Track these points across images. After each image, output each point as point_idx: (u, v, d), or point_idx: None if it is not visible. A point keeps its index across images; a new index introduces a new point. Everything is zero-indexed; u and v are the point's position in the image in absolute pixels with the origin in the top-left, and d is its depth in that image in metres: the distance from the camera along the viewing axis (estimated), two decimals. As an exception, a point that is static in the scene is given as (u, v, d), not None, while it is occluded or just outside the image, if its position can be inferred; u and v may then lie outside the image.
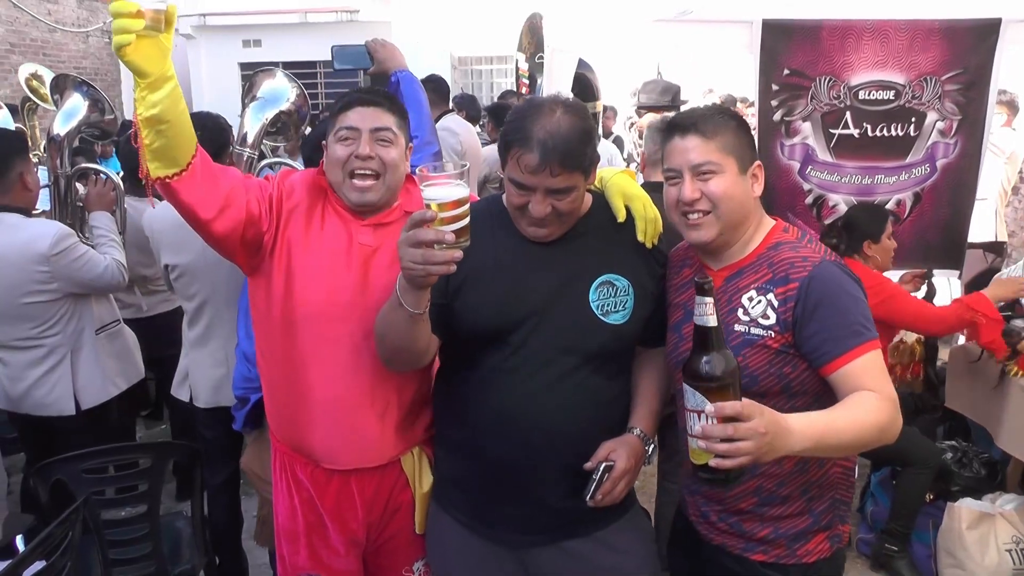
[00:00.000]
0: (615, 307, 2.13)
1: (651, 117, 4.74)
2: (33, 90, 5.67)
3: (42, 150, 4.63)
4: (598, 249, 2.16)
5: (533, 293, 2.10)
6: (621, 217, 2.18)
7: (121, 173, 4.19)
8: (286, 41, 14.72)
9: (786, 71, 4.12)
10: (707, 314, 1.66)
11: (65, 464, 2.97)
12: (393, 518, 2.41)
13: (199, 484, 3.27)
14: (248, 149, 3.67)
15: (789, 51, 4.07)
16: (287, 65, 14.89)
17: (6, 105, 5.59)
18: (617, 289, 2.14)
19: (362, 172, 2.22)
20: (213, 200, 2.09)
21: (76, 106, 3.94)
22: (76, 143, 4.01)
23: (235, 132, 3.79)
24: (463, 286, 2.11)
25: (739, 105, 9.46)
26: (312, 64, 14.95)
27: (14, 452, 4.49)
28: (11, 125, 5.42)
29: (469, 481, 2.24)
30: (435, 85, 6.69)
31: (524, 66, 4.60)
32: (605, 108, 7.41)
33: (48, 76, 5.83)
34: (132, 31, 1.75)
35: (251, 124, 3.73)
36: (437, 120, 6.14)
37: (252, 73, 4.01)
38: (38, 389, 3.54)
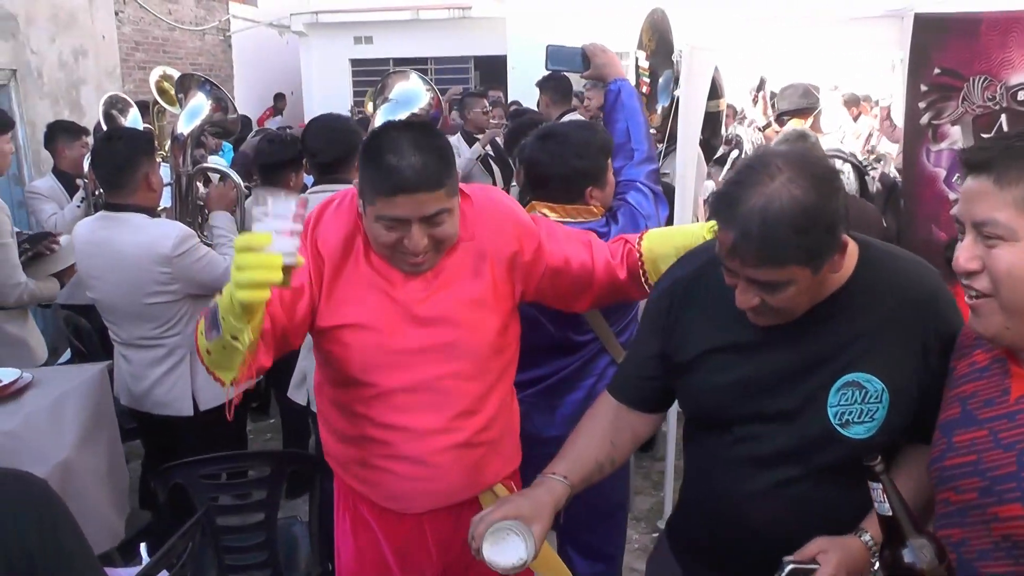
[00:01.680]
0: (859, 416, 1.67)
1: (795, 123, 4.57)
2: (163, 91, 5.72)
3: (166, 149, 4.63)
4: (849, 336, 1.68)
5: (764, 386, 1.74)
6: None
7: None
8: (397, 38, 14.83)
9: (937, 70, 3.82)
10: (879, 500, 1.42)
11: (184, 469, 2.92)
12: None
13: (316, 492, 3.20)
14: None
15: (943, 48, 3.78)
16: (397, 62, 15.07)
17: (136, 103, 5.62)
18: (866, 394, 1.67)
19: (413, 256, 2.00)
20: (278, 347, 2.00)
21: (200, 105, 3.93)
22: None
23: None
24: (698, 362, 1.81)
25: (862, 104, 9.12)
26: (423, 60, 15.04)
27: (132, 439, 4.52)
28: (140, 124, 5.47)
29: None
30: (556, 83, 6.60)
31: (644, 64, 4.41)
32: (728, 106, 7.17)
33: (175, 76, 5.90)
34: (272, 284, 1.63)
35: (381, 125, 3.65)
36: (558, 119, 6.07)
37: (385, 74, 3.93)
38: (158, 388, 3.54)
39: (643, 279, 2.30)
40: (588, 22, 12.10)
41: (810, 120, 4.96)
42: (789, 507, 1.74)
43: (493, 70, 14.83)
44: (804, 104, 4.89)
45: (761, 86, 7.57)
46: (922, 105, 3.91)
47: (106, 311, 3.56)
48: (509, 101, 10.19)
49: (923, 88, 3.89)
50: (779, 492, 1.74)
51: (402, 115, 3.67)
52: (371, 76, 15.26)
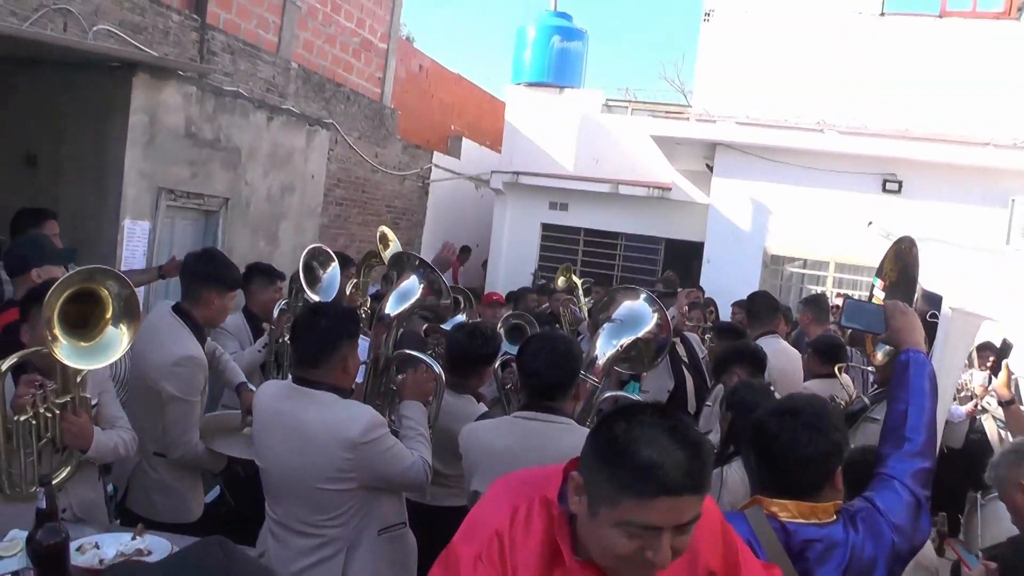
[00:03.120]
0: None
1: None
2: (377, 252, 5.71)
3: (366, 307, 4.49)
4: None
5: None
6: None
7: None
8: (592, 209, 14.86)
9: None
10: None
11: None
12: None
13: None
14: (594, 377, 3.28)
15: None
16: (589, 233, 15.13)
17: (336, 254, 5.55)
18: None
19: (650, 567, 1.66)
20: None
21: (412, 287, 3.75)
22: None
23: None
24: None
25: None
26: (614, 235, 14.98)
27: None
28: (338, 279, 5.37)
29: None
30: (818, 301, 6.30)
31: (880, 295, 3.99)
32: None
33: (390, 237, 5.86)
34: None
35: (603, 348, 3.36)
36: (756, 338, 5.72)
37: (612, 289, 3.67)
38: None
39: None
40: (791, 222, 11.78)
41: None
42: None
43: (682, 255, 14.61)
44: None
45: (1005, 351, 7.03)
46: None
47: (271, 486, 3.32)
48: (702, 296, 9.82)
49: None
50: None
51: (626, 340, 3.40)
52: (560, 243, 15.36)
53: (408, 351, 3.73)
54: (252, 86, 10.39)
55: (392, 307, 3.72)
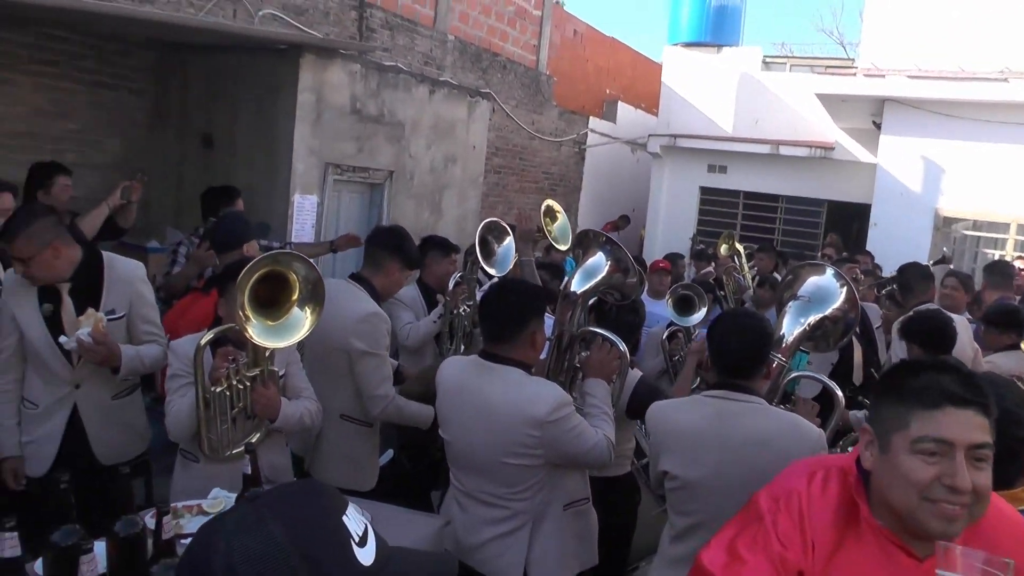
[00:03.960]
0: None
1: None
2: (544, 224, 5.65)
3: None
4: None
5: None
6: None
7: None
8: (752, 171, 14.44)
9: None
10: None
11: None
12: None
13: None
14: (782, 357, 3.15)
15: None
16: (748, 195, 14.70)
17: (509, 227, 5.53)
18: None
19: (951, 503, 1.68)
20: None
21: (598, 264, 3.68)
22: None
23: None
24: None
25: None
26: (774, 198, 14.54)
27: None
28: (512, 251, 5.35)
29: None
30: (1003, 267, 5.98)
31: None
32: None
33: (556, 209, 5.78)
34: None
35: (789, 327, 3.24)
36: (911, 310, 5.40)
37: (797, 265, 3.52)
38: (489, 549, 3.28)
39: None
40: (965, 182, 11.16)
41: None
42: None
43: (846, 218, 14.06)
44: None
45: None
46: None
47: (456, 457, 3.39)
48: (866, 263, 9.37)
49: None
50: None
51: (813, 317, 3.27)
52: (719, 207, 15.02)
53: (593, 328, 3.67)
54: (411, 60, 10.50)
55: (578, 284, 3.67)
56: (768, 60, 15.83)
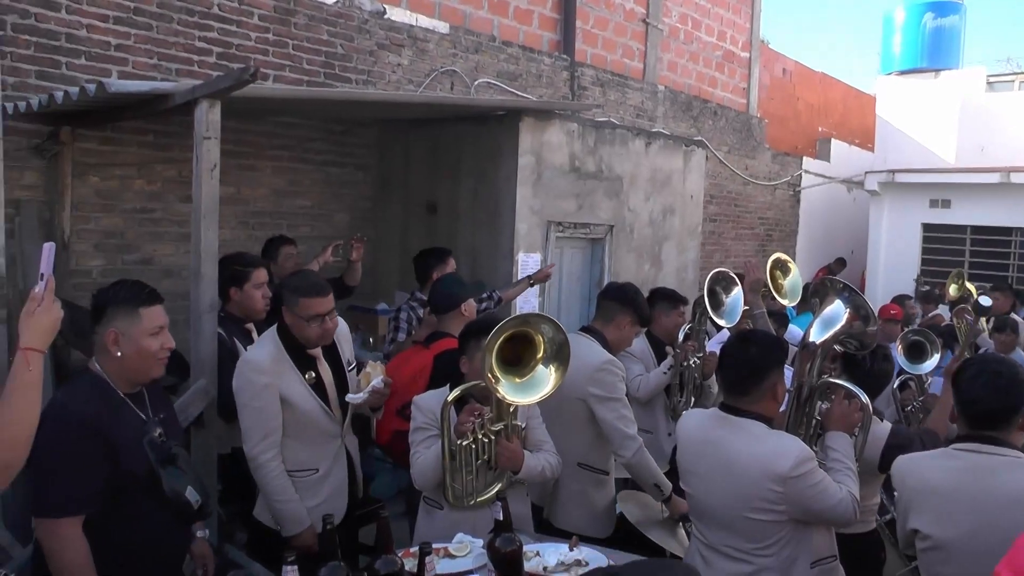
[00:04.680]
0: None
1: None
2: (772, 279, 5.52)
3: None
4: None
5: None
6: None
7: None
8: (979, 203, 13.69)
9: None
10: None
11: None
12: None
13: None
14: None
15: None
16: (976, 230, 13.92)
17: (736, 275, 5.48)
18: None
19: None
20: None
21: (836, 313, 3.64)
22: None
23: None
24: None
25: None
26: (1007, 231, 13.66)
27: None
28: (741, 302, 5.30)
29: None
30: None
31: None
32: None
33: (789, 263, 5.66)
34: None
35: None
36: None
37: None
38: None
39: None
40: None
41: None
42: None
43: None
44: None
45: None
46: None
47: (699, 511, 3.42)
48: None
49: None
50: None
51: None
52: (944, 244, 14.30)
53: (833, 379, 3.61)
54: (623, 114, 10.68)
55: (817, 334, 3.63)
56: (992, 80, 14.98)
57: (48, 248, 2.49)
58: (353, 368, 4.16)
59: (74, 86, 5.15)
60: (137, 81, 5.82)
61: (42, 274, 2.47)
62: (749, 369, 3.25)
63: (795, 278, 5.76)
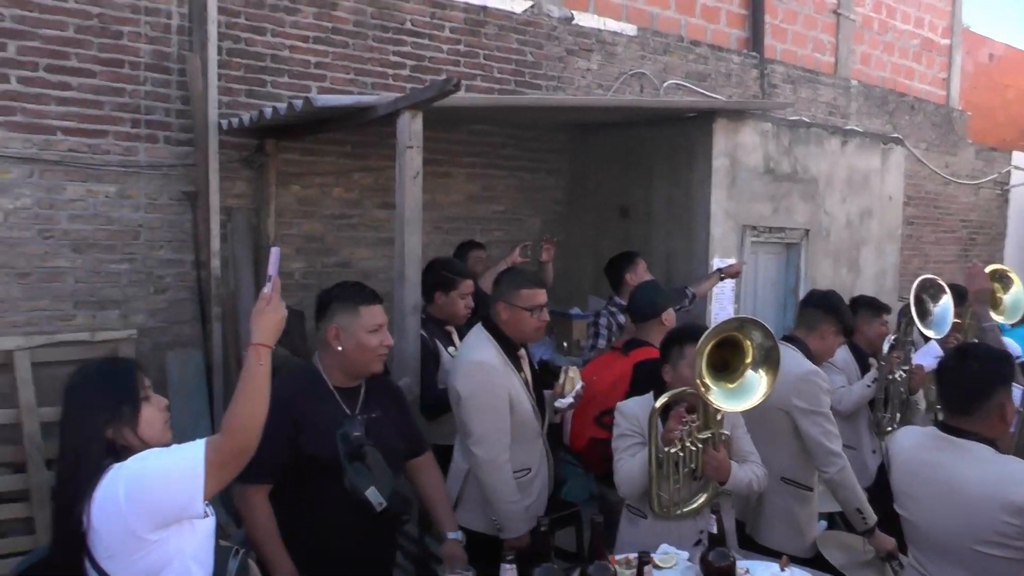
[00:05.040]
0: None
1: None
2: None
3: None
4: None
5: None
6: None
7: None
8: None
9: None
10: None
11: None
12: None
13: None
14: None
15: None
16: None
17: (949, 286, 5.14)
18: None
19: None
20: None
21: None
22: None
23: None
24: None
25: None
26: None
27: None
28: (951, 312, 5.00)
29: None
30: None
31: None
32: None
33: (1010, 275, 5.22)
34: None
35: None
36: None
37: None
38: None
39: None
40: None
41: None
42: None
43: None
44: None
45: None
46: None
47: (917, 539, 3.19)
48: None
49: None
50: None
51: None
52: None
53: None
54: (814, 112, 10.35)
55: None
56: None
57: (275, 252, 2.67)
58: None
59: (279, 102, 5.41)
60: (340, 95, 6.04)
61: (270, 276, 2.62)
62: (971, 386, 3.04)
63: (1018, 293, 5.28)
